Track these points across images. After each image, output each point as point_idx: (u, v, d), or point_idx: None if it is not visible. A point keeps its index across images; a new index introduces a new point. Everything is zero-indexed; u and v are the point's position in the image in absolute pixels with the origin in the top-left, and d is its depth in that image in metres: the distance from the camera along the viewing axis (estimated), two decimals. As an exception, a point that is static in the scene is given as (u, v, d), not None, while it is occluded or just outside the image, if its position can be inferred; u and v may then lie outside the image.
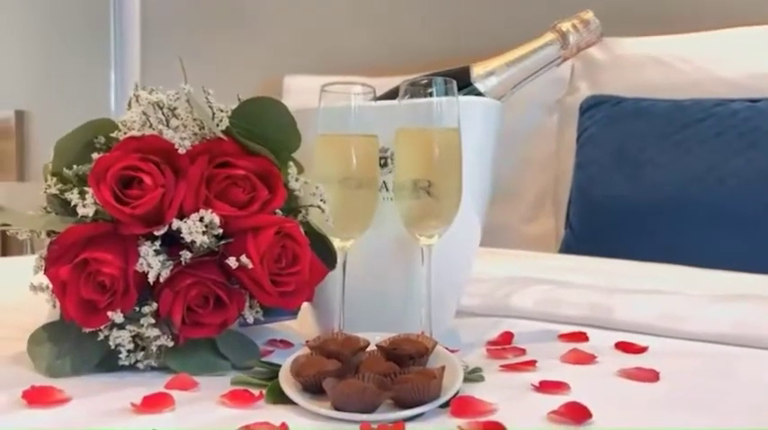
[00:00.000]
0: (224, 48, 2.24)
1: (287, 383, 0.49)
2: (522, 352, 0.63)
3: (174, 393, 0.49)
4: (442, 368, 0.49)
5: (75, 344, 0.56)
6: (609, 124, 1.13)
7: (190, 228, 0.54)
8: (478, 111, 0.69)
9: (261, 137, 0.60)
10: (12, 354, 0.58)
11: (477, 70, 0.71)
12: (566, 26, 0.71)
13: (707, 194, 0.99)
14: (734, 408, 0.47)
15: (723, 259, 0.91)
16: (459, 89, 0.72)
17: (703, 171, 1.00)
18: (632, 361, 0.57)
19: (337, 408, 0.46)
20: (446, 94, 0.62)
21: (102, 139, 0.58)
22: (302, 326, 0.74)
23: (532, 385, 0.51)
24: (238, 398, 0.48)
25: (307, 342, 0.54)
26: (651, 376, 0.53)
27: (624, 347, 0.62)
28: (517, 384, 0.52)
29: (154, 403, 0.46)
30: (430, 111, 0.61)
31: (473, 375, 0.55)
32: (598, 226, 1.08)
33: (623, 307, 0.70)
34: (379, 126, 0.63)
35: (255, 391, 0.49)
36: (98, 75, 2.53)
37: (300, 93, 1.73)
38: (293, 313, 0.75)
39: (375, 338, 0.56)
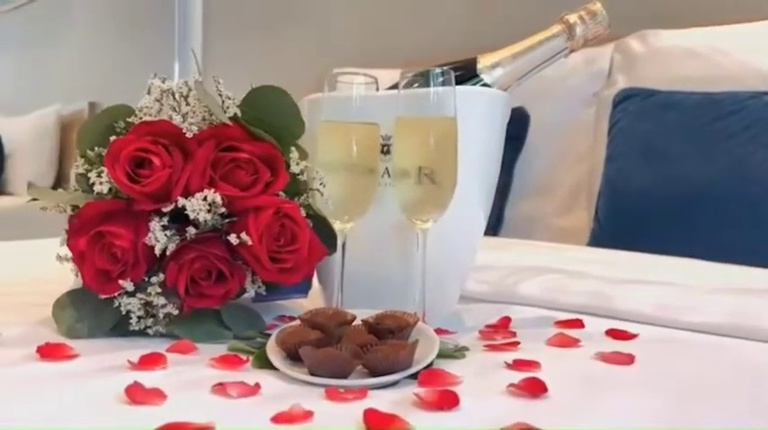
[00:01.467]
0: (280, 43, 2.31)
1: (272, 350, 0.53)
2: (513, 334, 0.65)
3: (171, 355, 0.54)
4: (415, 341, 0.52)
5: (93, 310, 0.61)
6: (639, 117, 1.12)
7: (194, 206, 0.58)
8: (482, 102, 0.71)
9: (267, 123, 0.64)
10: (41, 318, 0.64)
11: (483, 61, 0.73)
12: (573, 18, 0.72)
13: (733, 189, 0.97)
14: (698, 394, 0.48)
15: (750, 255, 0.90)
16: (467, 80, 0.75)
17: (730, 165, 0.98)
18: (616, 346, 0.59)
19: (312, 374, 0.49)
20: (443, 84, 0.64)
21: (122, 124, 0.63)
22: (313, 304, 0.77)
23: (505, 363, 0.53)
24: (227, 361, 0.53)
25: (300, 316, 0.58)
26: (626, 360, 0.54)
27: (614, 334, 0.64)
28: (493, 362, 0.54)
29: (148, 361, 0.51)
30: (427, 101, 0.64)
31: (456, 352, 0.58)
32: (625, 219, 1.07)
33: (623, 296, 0.71)
34: (382, 115, 0.66)
35: (245, 357, 0.53)
36: (163, 68, 2.65)
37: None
38: (303, 291, 0.79)
39: (363, 314, 0.59)
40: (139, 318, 0.60)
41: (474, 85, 0.73)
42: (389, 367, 0.50)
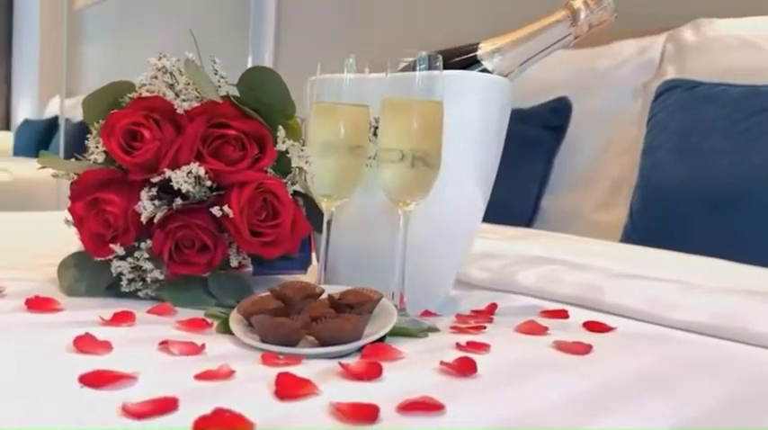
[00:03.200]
0: (347, 35, 2.35)
1: (234, 317, 0.56)
2: (490, 320, 0.65)
3: (145, 316, 0.57)
4: (363, 316, 0.54)
5: (92, 271, 0.66)
6: (677, 110, 1.07)
7: (178, 178, 0.62)
8: (478, 87, 0.71)
9: (262, 102, 0.67)
10: (51, 277, 0.70)
11: (484, 47, 0.73)
12: (577, 3, 0.71)
13: (765, 186, 0.91)
14: (633, 387, 0.47)
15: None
16: (469, 66, 0.75)
17: (764, 162, 0.92)
18: (583, 337, 0.58)
19: (263, 341, 0.52)
20: (429, 69, 0.64)
21: (127, 99, 0.68)
22: (313, 279, 0.80)
23: (457, 344, 0.54)
24: (193, 324, 0.56)
25: (270, 287, 0.60)
26: (581, 349, 0.53)
27: (590, 326, 0.62)
28: (448, 343, 0.55)
29: (118, 319, 0.55)
30: (413, 84, 0.64)
31: (418, 332, 0.59)
32: (656, 215, 1.03)
33: (614, 290, 0.69)
34: (374, 97, 0.67)
35: (212, 322, 0.56)
36: (238, 62, 2.75)
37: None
38: (303, 267, 0.82)
39: (334, 289, 0.61)
40: (130, 280, 0.64)
41: (474, 70, 0.73)
42: (334, 338, 0.51)
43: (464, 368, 0.46)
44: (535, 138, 1.30)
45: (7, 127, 5.19)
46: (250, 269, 0.76)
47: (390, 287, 0.65)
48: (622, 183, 1.24)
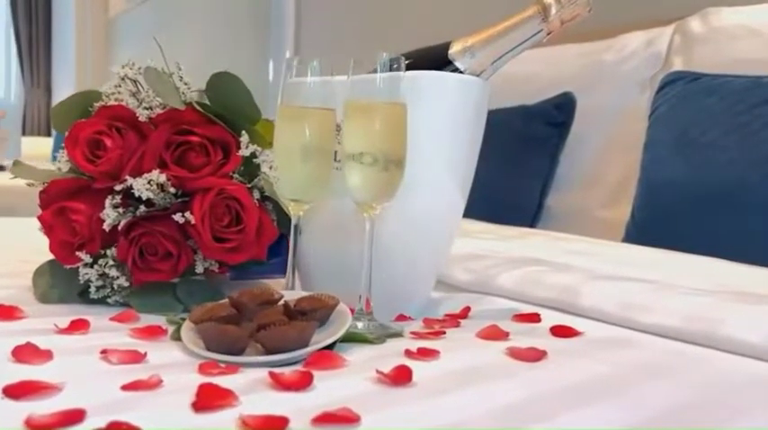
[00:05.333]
0: (367, 36, 2.34)
1: (187, 324, 0.56)
2: (456, 325, 0.64)
3: (101, 322, 0.58)
4: (312, 322, 0.53)
5: (64, 278, 0.67)
6: (678, 103, 1.03)
7: (140, 185, 0.62)
8: (447, 87, 0.70)
9: (228, 108, 0.67)
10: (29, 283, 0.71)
11: (455, 47, 0.72)
12: (548, -1, 0.69)
13: (765, 181, 0.87)
14: (574, 396, 0.45)
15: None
16: (442, 65, 0.73)
17: (764, 156, 0.88)
18: (546, 342, 0.56)
19: (209, 349, 0.52)
20: (391, 70, 0.63)
21: (97, 107, 0.68)
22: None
23: (406, 351, 0.53)
24: (147, 332, 0.56)
25: (229, 294, 0.60)
26: (534, 356, 0.52)
27: (557, 331, 0.61)
28: (399, 350, 0.53)
29: (73, 327, 0.56)
30: (374, 87, 0.63)
31: (376, 338, 0.58)
32: (657, 213, 0.99)
33: (590, 292, 0.67)
34: (340, 100, 0.66)
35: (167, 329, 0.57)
36: (259, 67, 2.77)
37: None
38: (281, 271, 0.82)
39: (294, 295, 0.60)
40: (98, 287, 0.65)
41: (447, 70, 0.72)
42: (279, 346, 0.51)
43: (399, 377, 0.45)
44: (539, 135, 1.27)
45: (48, 133, 5.35)
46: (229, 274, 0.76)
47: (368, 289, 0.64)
48: (629, 179, 1.21)
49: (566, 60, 1.35)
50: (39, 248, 0.86)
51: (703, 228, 0.93)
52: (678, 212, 0.96)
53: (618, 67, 1.29)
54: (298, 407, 0.41)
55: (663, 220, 0.98)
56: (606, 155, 1.26)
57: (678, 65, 1.17)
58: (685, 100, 1.03)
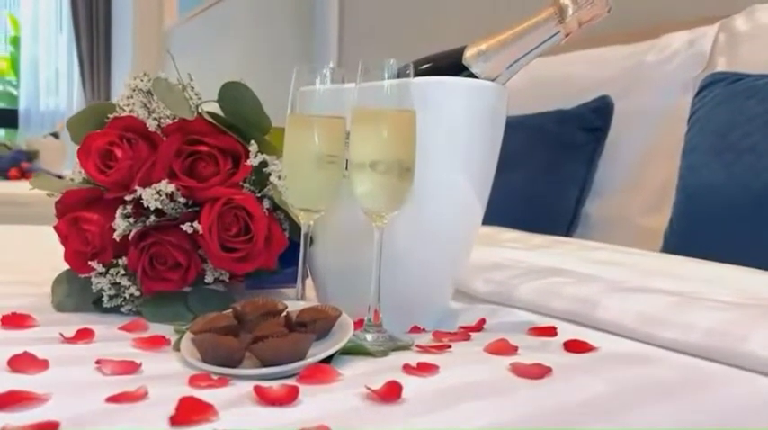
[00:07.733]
0: (411, 37, 2.34)
1: (187, 335, 0.56)
2: (467, 338, 0.62)
3: (107, 331, 0.58)
4: (309, 334, 0.52)
5: (79, 287, 0.68)
6: (717, 105, 0.98)
7: (149, 195, 0.62)
8: (460, 94, 0.68)
9: (239, 117, 0.67)
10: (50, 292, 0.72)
11: (469, 51, 0.70)
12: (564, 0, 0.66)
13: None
14: (566, 417, 0.43)
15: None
16: (458, 71, 0.72)
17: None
18: (557, 358, 0.54)
19: (204, 361, 0.51)
20: (399, 76, 0.62)
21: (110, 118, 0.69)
22: (308, 293, 0.79)
23: (405, 365, 0.51)
24: (149, 342, 0.56)
25: (232, 304, 0.60)
26: (536, 373, 0.49)
27: (571, 346, 0.58)
28: (400, 364, 0.52)
29: (79, 336, 0.56)
30: (382, 94, 0.62)
31: (378, 351, 0.56)
32: (695, 221, 0.94)
33: (608, 305, 0.64)
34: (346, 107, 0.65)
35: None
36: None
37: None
38: (295, 280, 0.81)
39: (298, 306, 0.59)
40: (111, 297, 0.66)
41: (462, 76, 0.70)
42: (274, 358, 0.50)
43: (388, 394, 0.44)
44: (575, 140, 1.23)
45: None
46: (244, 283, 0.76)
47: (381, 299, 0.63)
48: (671, 185, 1.16)
49: (607, 62, 1.31)
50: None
51: (744, 237, 0.88)
52: (718, 220, 0.91)
53: (659, 68, 1.24)
54: (277, 423, 0.40)
55: (702, 229, 0.93)
56: (647, 159, 1.21)
57: (722, 65, 1.12)
58: (724, 103, 0.98)
